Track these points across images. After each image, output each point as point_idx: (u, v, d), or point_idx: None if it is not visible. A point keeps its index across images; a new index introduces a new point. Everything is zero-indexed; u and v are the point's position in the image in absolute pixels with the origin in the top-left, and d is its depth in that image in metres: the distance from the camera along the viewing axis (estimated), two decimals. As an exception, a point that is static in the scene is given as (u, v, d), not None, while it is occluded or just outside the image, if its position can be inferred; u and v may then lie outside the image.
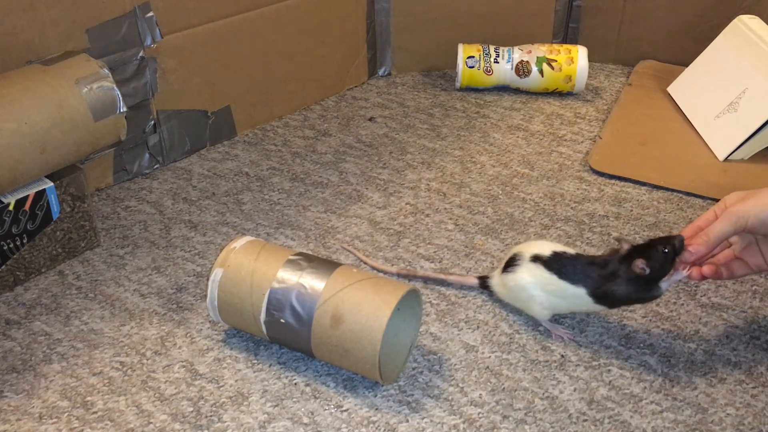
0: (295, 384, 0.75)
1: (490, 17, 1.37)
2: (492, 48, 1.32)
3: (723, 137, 1.13)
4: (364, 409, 0.72)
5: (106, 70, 0.88)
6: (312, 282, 0.73)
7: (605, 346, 0.80)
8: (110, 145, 0.92)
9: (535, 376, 0.76)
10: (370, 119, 1.26)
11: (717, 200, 0.77)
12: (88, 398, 0.73)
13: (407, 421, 0.71)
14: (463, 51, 1.31)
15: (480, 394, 0.74)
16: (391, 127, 1.24)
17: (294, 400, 0.73)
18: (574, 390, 0.74)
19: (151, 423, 0.71)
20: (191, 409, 0.72)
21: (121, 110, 0.89)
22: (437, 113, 1.28)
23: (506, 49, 1.32)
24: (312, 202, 1.04)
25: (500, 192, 1.06)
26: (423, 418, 0.71)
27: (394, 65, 1.40)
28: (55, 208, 0.88)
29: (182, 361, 0.78)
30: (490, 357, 0.78)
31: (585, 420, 0.71)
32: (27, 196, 0.84)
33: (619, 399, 0.73)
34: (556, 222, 1.00)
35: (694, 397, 0.74)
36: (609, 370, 0.77)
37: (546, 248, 0.79)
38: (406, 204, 1.04)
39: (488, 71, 1.31)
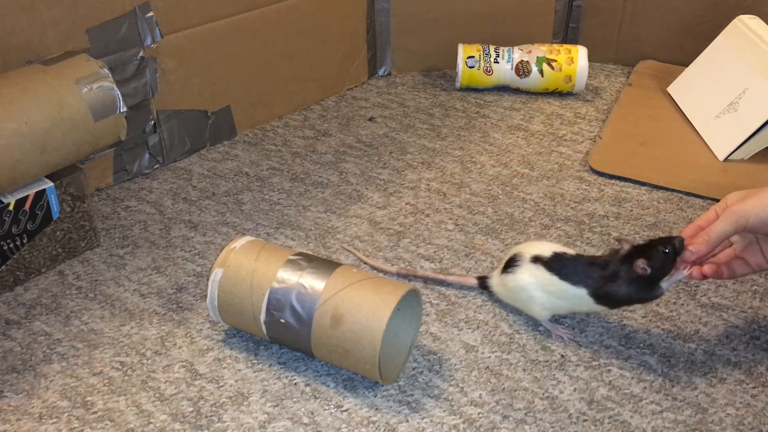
0: (295, 384, 0.75)
1: (490, 17, 1.37)
2: (492, 48, 1.32)
3: (723, 137, 1.13)
4: (364, 409, 0.72)
5: (106, 70, 0.88)
6: (312, 282, 0.73)
7: (605, 346, 0.80)
8: (110, 145, 0.92)
9: (535, 376, 0.76)
10: (370, 119, 1.26)
11: (717, 200, 0.77)
12: (88, 398, 0.73)
13: (407, 421, 0.71)
14: (463, 51, 1.31)
15: (480, 394, 0.74)
16: (391, 127, 1.24)
17: (294, 400, 0.73)
18: (574, 390, 0.74)
19: (151, 423, 0.71)
20: (191, 409, 0.72)
21: (121, 110, 0.89)
22: (437, 113, 1.28)
23: (506, 49, 1.32)
24: (312, 202, 1.04)
25: (500, 192, 1.06)
26: (423, 418, 0.71)
27: (394, 65, 1.40)
28: (55, 208, 0.88)
29: (182, 361, 0.78)
30: (490, 357, 0.78)
31: (585, 420, 0.71)
32: (27, 196, 0.84)
33: (619, 399, 0.73)
34: (556, 222, 1.00)
35: (694, 397, 0.74)
36: (609, 370, 0.77)
37: (546, 249, 0.79)
38: (406, 204, 1.04)
39: (488, 71, 1.31)
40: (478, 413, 0.72)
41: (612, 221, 1.00)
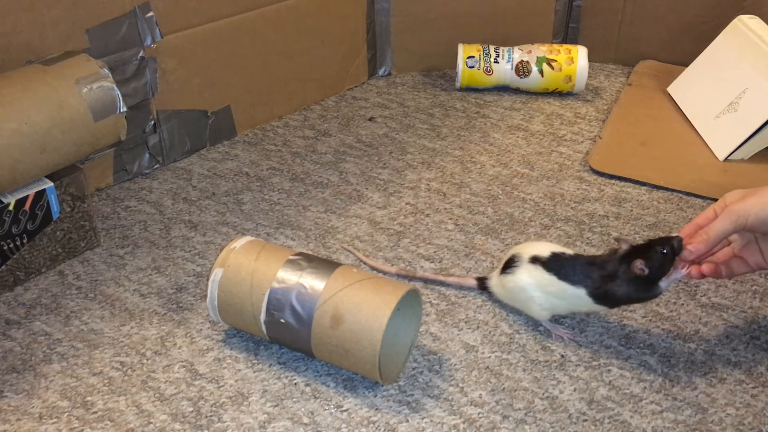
0: (295, 384, 0.75)
1: (490, 17, 1.38)
2: (492, 48, 1.32)
3: (723, 137, 1.13)
4: (364, 409, 0.72)
5: (106, 70, 0.88)
6: (312, 282, 0.73)
7: (605, 346, 0.80)
8: (110, 145, 0.92)
9: (535, 376, 0.76)
10: (370, 119, 1.26)
11: (717, 200, 0.77)
12: (88, 398, 0.73)
13: (407, 421, 0.71)
14: (463, 51, 1.31)
15: (480, 394, 0.74)
16: (391, 127, 1.24)
17: (294, 400, 0.73)
18: (574, 390, 0.74)
19: (151, 423, 0.71)
20: (191, 409, 0.72)
21: (121, 110, 0.89)
22: (437, 113, 1.28)
23: (506, 49, 1.32)
24: (312, 202, 1.04)
25: (500, 192, 1.06)
26: (423, 418, 0.71)
27: (394, 65, 1.40)
28: (55, 208, 0.88)
29: (182, 361, 0.78)
30: (490, 357, 0.78)
31: (585, 420, 0.71)
32: (27, 196, 0.84)
33: (619, 399, 0.73)
34: (556, 222, 1.00)
35: (694, 397, 0.74)
36: (609, 370, 0.77)
37: (545, 249, 0.79)
38: (406, 204, 1.04)
39: (488, 71, 1.31)
40: (478, 413, 0.72)
41: (612, 221, 1.00)
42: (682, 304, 0.85)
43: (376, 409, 0.72)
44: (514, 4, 1.38)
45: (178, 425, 0.70)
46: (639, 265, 0.73)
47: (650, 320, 0.83)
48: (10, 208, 0.83)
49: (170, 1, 1.03)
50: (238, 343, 0.80)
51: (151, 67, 1.04)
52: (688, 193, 1.05)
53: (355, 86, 1.36)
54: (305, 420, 0.71)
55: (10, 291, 0.87)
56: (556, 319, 0.83)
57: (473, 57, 1.31)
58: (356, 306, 0.71)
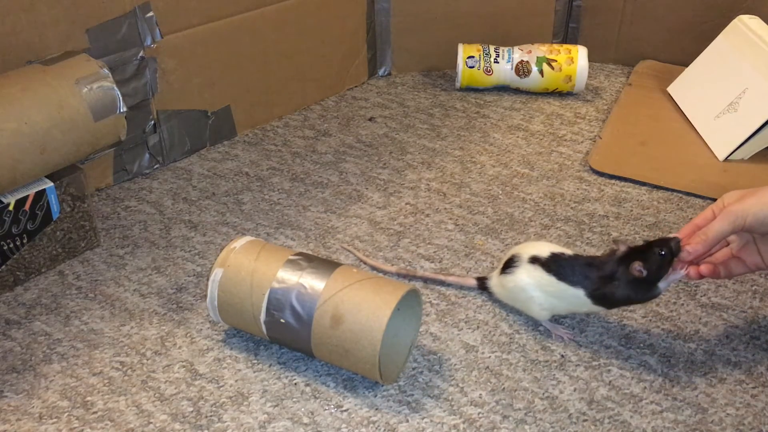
0: (295, 384, 0.75)
1: (490, 17, 1.38)
2: (492, 48, 1.32)
3: (723, 137, 1.13)
4: (364, 409, 0.72)
5: (106, 70, 0.88)
6: (312, 282, 0.73)
7: (605, 346, 0.80)
8: (110, 145, 0.92)
9: (535, 376, 0.76)
10: (370, 119, 1.26)
11: (717, 200, 0.77)
12: (88, 398, 0.73)
13: (407, 421, 0.71)
14: (463, 51, 1.31)
15: (480, 394, 0.74)
16: (391, 127, 1.24)
17: (294, 400, 0.73)
18: (574, 390, 0.74)
19: (151, 423, 0.71)
20: (191, 409, 0.72)
21: (121, 110, 0.89)
22: (437, 113, 1.28)
23: (506, 49, 1.32)
24: (312, 202, 1.04)
25: (500, 192, 1.06)
26: (423, 418, 0.71)
27: (394, 65, 1.40)
28: (55, 208, 0.88)
29: (182, 361, 0.78)
30: (490, 357, 0.78)
31: (585, 420, 0.71)
32: (27, 196, 0.84)
33: (619, 399, 0.73)
34: (556, 222, 1.00)
35: (694, 397, 0.74)
36: (609, 370, 0.77)
37: (544, 249, 0.79)
38: (406, 204, 1.04)
39: (488, 71, 1.31)
40: (478, 413, 0.72)
41: (612, 221, 1.00)
42: (682, 304, 0.85)
43: (376, 409, 0.72)
44: (514, 4, 1.38)
45: (178, 425, 0.70)
46: (637, 267, 0.73)
47: (650, 320, 0.83)
48: (10, 208, 0.83)
49: (170, 1, 1.03)
50: (238, 343, 0.80)
51: (151, 67, 1.04)
52: (688, 193, 1.05)
53: (355, 86, 1.36)
54: (305, 420, 0.71)
55: (10, 291, 0.87)
56: (556, 319, 0.83)
57: (473, 57, 1.31)
58: (356, 306, 0.71)
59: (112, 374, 0.76)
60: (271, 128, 1.23)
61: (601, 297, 0.76)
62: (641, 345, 0.80)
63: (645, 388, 0.75)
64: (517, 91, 1.35)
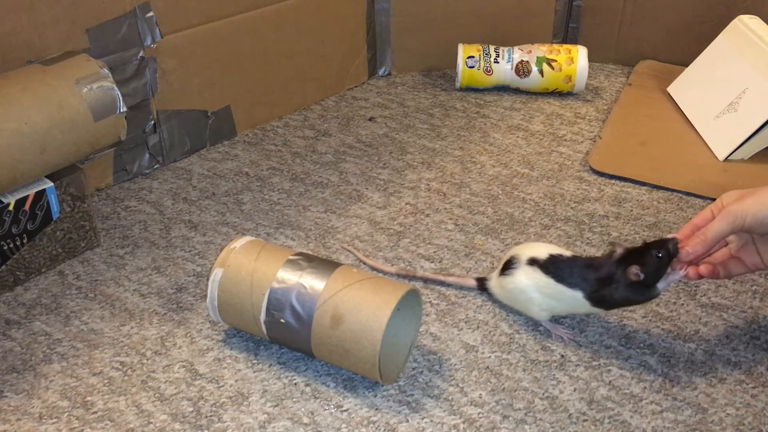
0: (295, 384, 0.75)
1: (490, 17, 1.38)
2: (492, 48, 1.32)
3: (723, 137, 1.13)
4: (364, 409, 0.72)
5: (106, 70, 0.88)
6: (312, 282, 0.73)
7: (605, 346, 0.80)
8: (110, 145, 0.92)
9: (535, 376, 0.76)
10: (370, 119, 1.26)
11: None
12: (88, 398, 0.73)
13: (407, 421, 0.71)
14: (463, 51, 1.31)
15: (480, 394, 0.74)
16: (391, 127, 1.24)
17: (294, 400, 0.73)
18: (574, 390, 0.74)
19: (151, 423, 0.71)
20: (191, 409, 0.72)
21: (121, 110, 0.89)
22: (437, 113, 1.28)
23: (506, 49, 1.32)
24: (312, 202, 1.04)
25: (500, 192, 1.06)
26: (423, 418, 0.71)
27: (394, 65, 1.40)
28: (55, 208, 0.88)
29: (182, 361, 0.78)
30: (490, 357, 0.78)
31: (585, 420, 0.71)
32: (27, 196, 0.84)
33: (619, 399, 0.73)
34: (556, 222, 1.00)
35: (694, 397, 0.74)
36: (609, 370, 0.77)
37: (542, 251, 0.79)
38: (406, 204, 1.04)
39: (488, 71, 1.31)
40: (478, 413, 0.72)
41: (612, 221, 1.00)
42: (682, 304, 0.85)
43: (376, 409, 0.72)
44: (514, 4, 1.38)
45: (178, 425, 0.70)
46: (634, 271, 0.73)
47: (650, 320, 0.83)
48: (10, 208, 0.83)
49: (170, 1, 1.03)
50: (238, 343, 0.80)
51: (151, 67, 1.04)
52: (688, 193, 1.05)
53: (355, 86, 1.36)
54: (305, 420, 0.71)
55: (10, 291, 0.87)
56: (556, 320, 0.83)
57: (473, 57, 1.31)
58: (356, 306, 0.71)
59: (112, 374, 0.76)
60: (271, 128, 1.23)
61: (600, 299, 0.76)
62: (641, 345, 0.80)
63: (645, 388, 0.75)
64: (517, 91, 1.35)
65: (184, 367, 0.77)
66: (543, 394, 0.74)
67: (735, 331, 0.82)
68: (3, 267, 0.86)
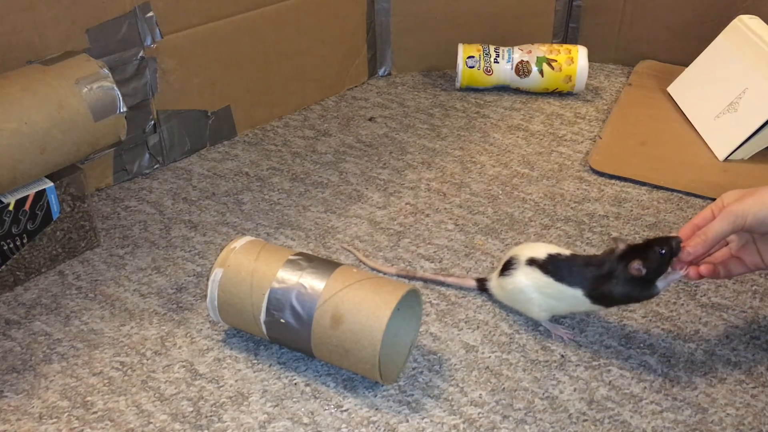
0: (295, 384, 0.75)
1: (490, 17, 1.38)
2: (492, 48, 1.32)
3: (723, 137, 1.13)
4: (364, 409, 0.72)
5: (106, 70, 0.88)
6: (312, 282, 0.73)
7: (605, 346, 0.80)
8: (110, 145, 0.92)
9: (535, 376, 0.76)
10: (370, 119, 1.26)
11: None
12: (88, 398, 0.73)
13: (407, 421, 0.71)
14: (463, 51, 1.31)
15: (480, 394, 0.74)
16: (391, 127, 1.24)
17: (294, 400, 0.73)
18: (574, 390, 0.74)
19: (151, 423, 0.71)
20: (191, 409, 0.72)
21: (121, 110, 0.89)
22: (437, 113, 1.28)
23: (506, 49, 1.32)
24: (312, 202, 1.04)
25: (500, 192, 1.06)
26: (423, 418, 0.71)
27: (394, 65, 1.40)
28: (55, 208, 0.88)
29: (182, 361, 0.78)
30: (490, 357, 0.78)
31: (585, 420, 0.71)
32: (27, 196, 0.84)
33: (619, 399, 0.73)
34: (556, 222, 1.00)
35: (694, 397, 0.74)
36: (609, 370, 0.77)
37: (541, 250, 0.79)
38: (406, 204, 1.04)
39: (488, 71, 1.31)
40: (478, 413, 0.72)
41: (612, 221, 1.00)
42: (682, 304, 0.85)
43: (376, 409, 0.72)
44: (514, 4, 1.38)
45: (178, 425, 0.70)
46: (636, 266, 0.73)
47: (650, 320, 0.83)
48: (10, 208, 0.83)
49: (170, 1, 1.03)
50: (238, 343, 0.80)
51: (151, 67, 1.04)
52: (688, 193, 1.05)
53: (355, 86, 1.36)
54: (305, 420, 0.71)
55: (10, 291, 0.87)
56: (556, 319, 0.83)
57: (473, 57, 1.31)
58: (356, 306, 0.71)
59: (112, 374, 0.76)
60: (271, 128, 1.23)
61: (599, 296, 0.76)
62: (641, 345, 0.80)
63: (645, 388, 0.75)
64: (517, 91, 1.35)
65: (184, 367, 0.77)
66: (543, 394, 0.74)
67: (735, 331, 0.82)
68: (3, 267, 0.86)
